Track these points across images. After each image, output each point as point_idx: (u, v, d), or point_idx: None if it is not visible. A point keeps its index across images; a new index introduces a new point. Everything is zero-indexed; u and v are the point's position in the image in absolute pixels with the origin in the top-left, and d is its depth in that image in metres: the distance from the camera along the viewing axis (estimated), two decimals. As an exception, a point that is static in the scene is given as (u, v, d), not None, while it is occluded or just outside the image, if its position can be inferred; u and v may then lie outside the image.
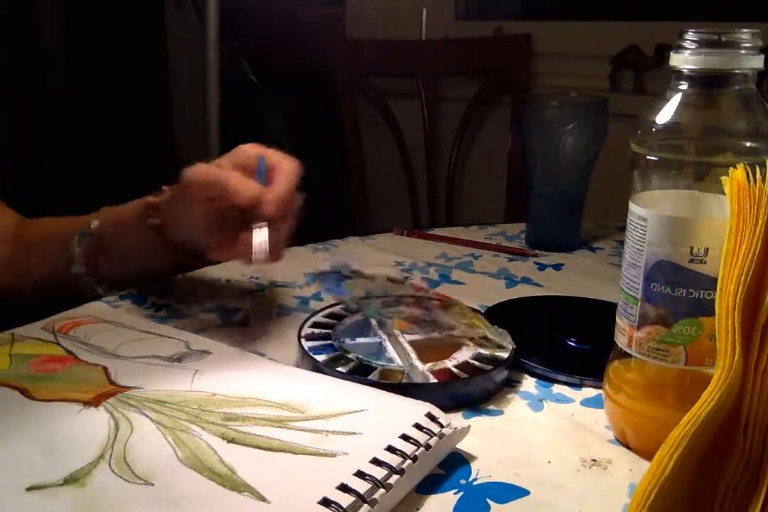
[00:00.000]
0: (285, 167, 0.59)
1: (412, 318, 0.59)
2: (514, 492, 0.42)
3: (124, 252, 0.67)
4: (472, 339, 0.57)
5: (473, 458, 0.45)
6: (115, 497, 0.37)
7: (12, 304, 0.71)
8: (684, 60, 0.41)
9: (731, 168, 0.39)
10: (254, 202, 0.56)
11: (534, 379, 0.55)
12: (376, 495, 0.38)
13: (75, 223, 0.68)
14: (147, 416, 0.44)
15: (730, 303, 0.36)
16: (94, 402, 0.46)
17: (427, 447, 0.42)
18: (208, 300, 0.69)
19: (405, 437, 0.42)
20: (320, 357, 0.54)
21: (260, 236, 0.56)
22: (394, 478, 0.39)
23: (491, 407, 0.51)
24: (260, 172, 0.59)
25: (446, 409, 0.46)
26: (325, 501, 0.36)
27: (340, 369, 0.52)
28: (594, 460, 0.45)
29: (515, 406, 0.52)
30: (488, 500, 0.41)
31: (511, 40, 1.61)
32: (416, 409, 0.45)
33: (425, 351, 0.55)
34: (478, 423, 0.49)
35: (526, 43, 1.59)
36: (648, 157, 0.42)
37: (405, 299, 0.64)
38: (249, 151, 0.61)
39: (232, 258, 0.62)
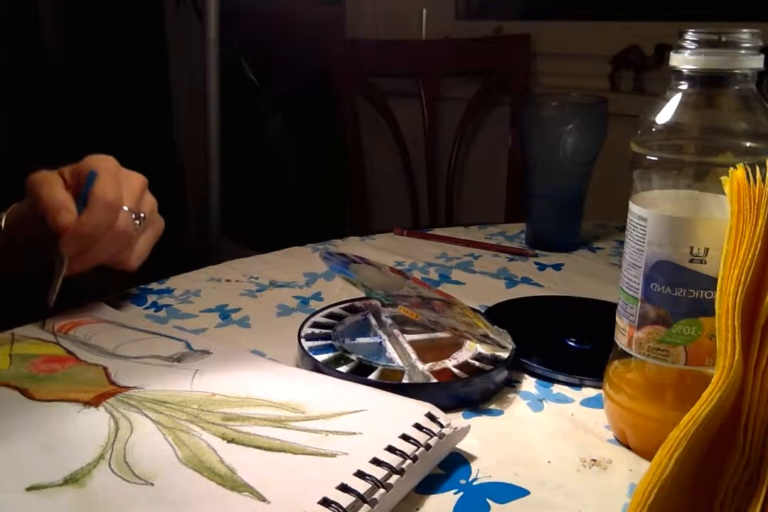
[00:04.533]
0: (101, 197, 0.56)
1: (417, 304, 0.59)
2: (514, 492, 0.42)
3: (27, 241, 0.65)
4: (472, 339, 0.57)
5: (473, 458, 0.45)
6: (115, 497, 0.37)
7: (12, 304, 0.70)
8: (684, 60, 0.41)
9: (731, 168, 0.39)
10: (60, 229, 0.55)
11: (534, 379, 0.55)
12: (376, 495, 0.38)
13: None
14: (147, 416, 0.44)
15: (730, 303, 0.36)
16: (94, 402, 0.46)
17: (427, 447, 0.42)
18: (208, 300, 0.69)
19: (405, 437, 0.42)
20: (320, 357, 0.54)
21: (56, 270, 0.56)
22: (394, 478, 0.39)
23: (491, 407, 0.51)
24: (85, 190, 0.57)
25: (446, 409, 0.46)
26: (325, 501, 0.36)
27: (340, 369, 0.52)
28: (594, 460, 0.45)
29: (515, 406, 0.52)
30: (488, 500, 0.41)
31: (511, 40, 1.61)
32: (416, 409, 0.45)
33: (425, 351, 0.55)
34: (478, 423, 0.49)
35: (526, 43, 1.59)
36: (648, 157, 0.42)
37: (406, 298, 0.64)
38: (90, 162, 0.59)
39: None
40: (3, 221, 0.66)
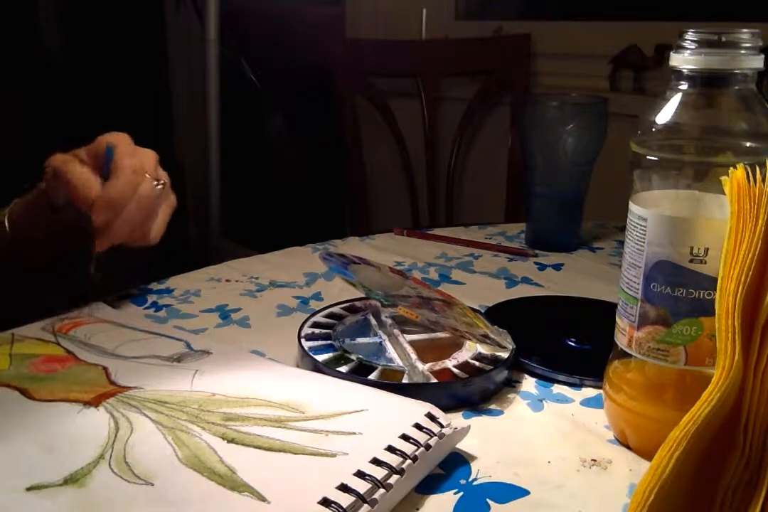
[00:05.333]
0: (124, 166, 0.58)
1: (417, 304, 0.59)
2: (514, 492, 0.42)
3: (34, 236, 0.66)
4: (472, 339, 0.57)
5: (473, 458, 0.45)
6: (115, 497, 0.37)
7: (12, 304, 0.70)
8: (684, 60, 0.41)
9: (731, 168, 0.39)
10: (89, 202, 0.57)
11: (534, 379, 0.55)
12: (376, 495, 0.38)
13: None
14: (147, 416, 0.44)
15: (730, 303, 0.36)
16: (94, 402, 0.46)
17: (427, 447, 0.42)
18: (208, 300, 0.69)
19: (405, 437, 0.42)
20: (320, 357, 0.54)
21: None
22: (394, 478, 0.39)
23: (491, 407, 0.51)
24: (105, 164, 0.59)
25: (446, 409, 0.46)
26: (325, 501, 0.36)
27: (340, 369, 0.52)
28: (594, 460, 0.45)
29: (515, 406, 0.52)
30: (488, 500, 0.41)
31: (511, 40, 1.61)
32: (416, 409, 0.45)
33: (425, 351, 0.55)
34: (478, 423, 0.49)
35: (526, 43, 1.59)
36: (648, 157, 0.42)
37: (406, 299, 0.64)
38: (104, 139, 0.61)
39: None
40: (5, 218, 0.66)
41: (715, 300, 0.37)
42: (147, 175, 0.59)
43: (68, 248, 0.68)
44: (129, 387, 0.48)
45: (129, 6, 1.86)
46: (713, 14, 1.40)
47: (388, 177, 1.73)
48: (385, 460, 0.40)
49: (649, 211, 0.43)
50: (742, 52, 0.40)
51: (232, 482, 0.38)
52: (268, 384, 0.49)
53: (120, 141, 0.61)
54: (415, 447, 0.41)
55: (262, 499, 0.37)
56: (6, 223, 0.66)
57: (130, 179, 0.58)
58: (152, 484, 0.38)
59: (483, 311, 0.64)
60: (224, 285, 0.74)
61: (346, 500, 0.36)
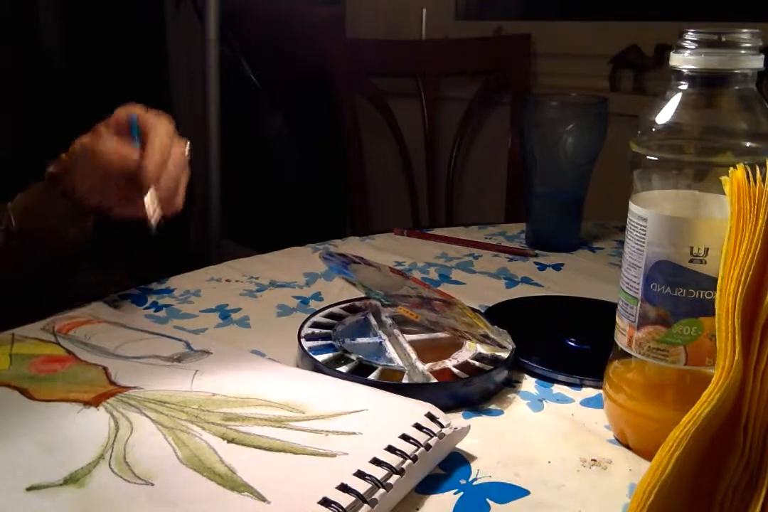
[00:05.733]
0: (157, 127, 0.61)
1: (417, 304, 0.59)
2: (514, 492, 0.42)
3: (41, 229, 0.67)
4: (472, 339, 0.57)
5: (473, 458, 0.45)
6: (115, 497, 0.37)
7: (12, 304, 0.70)
8: (684, 60, 0.41)
9: (731, 168, 0.39)
10: (133, 169, 0.59)
11: (534, 379, 0.55)
12: (376, 495, 0.38)
13: None
14: (147, 416, 0.44)
15: (730, 303, 0.36)
16: (94, 402, 0.46)
17: (427, 447, 0.42)
18: (208, 300, 0.69)
19: (405, 437, 0.42)
20: (320, 357, 0.54)
21: (150, 200, 0.60)
22: (394, 478, 0.39)
23: (491, 407, 0.51)
24: (132, 133, 0.62)
25: (446, 409, 0.46)
26: (325, 501, 0.36)
27: (340, 369, 0.52)
28: (594, 460, 0.45)
29: (515, 406, 0.52)
30: (488, 500, 0.41)
31: (511, 40, 1.61)
32: (416, 409, 0.45)
33: (425, 351, 0.55)
34: (478, 423, 0.49)
35: (526, 43, 1.59)
36: (648, 157, 0.42)
37: (406, 299, 0.64)
38: (122, 110, 0.63)
39: (137, 215, 0.63)
40: (11, 216, 0.67)
41: (715, 300, 0.37)
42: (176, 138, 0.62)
43: (77, 239, 0.69)
44: (129, 387, 0.48)
45: (129, 6, 1.86)
46: (713, 14, 1.40)
47: (388, 177, 1.73)
48: (385, 460, 0.40)
49: (649, 211, 0.43)
50: (742, 52, 0.40)
51: (232, 482, 0.38)
52: (268, 384, 0.49)
53: (138, 110, 0.63)
54: (415, 447, 0.41)
55: (262, 499, 0.37)
56: (12, 217, 0.67)
57: (166, 142, 0.61)
58: (152, 484, 0.38)
59: (483, 311, 0.64)
60: (224, 285, 0.74)
61: (346, 500, 0.36)
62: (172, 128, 0.63)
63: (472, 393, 0.52)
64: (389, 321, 0.60)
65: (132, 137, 0.61)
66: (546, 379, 0.55)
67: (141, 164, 0.59)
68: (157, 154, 0.60)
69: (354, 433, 0.43)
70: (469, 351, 0.55)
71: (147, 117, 0.62)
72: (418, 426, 0.43)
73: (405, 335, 0.57)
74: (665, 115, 0.42)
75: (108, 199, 0.64)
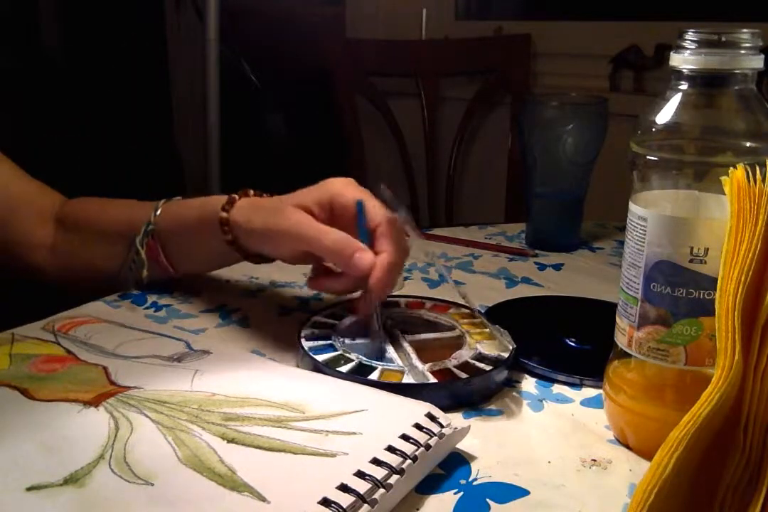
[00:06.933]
0: (391, 226, 0.54)
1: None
2: (514, 492, 0.42)
3: (187, 253, 0.66)
4: (472, 338, 0.57)
5: (473, 458, 0.45)
6: (115, 497, 0.37)
7: (12, 304, 0.71)
8: (684, 60, 0.41)
9: (731, 168, 0.39)
10: (355, 273, 0.53)
11: (534, 379, 0.55)
12: (376, 495, 0.38)
13: (131, 213, 0.67)
14: (147, 416, 0.44)
15: (730, 303, 0.36)
16: (94, 402, 0.46)
17: (427, 447, 0.42)
18: (208, 300, 0.69)
19: (405, 437, 0.42)
20: (320, 357, 0.54)
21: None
22: (394, 478, 0.39)
23: (491, 407, 0.51)
24: (360, 222, 0.55)
25: (446, 409, 0.46)
26: (325, 501, 0.36)
27: (340, 369, 0.52)
28: (594, 460, 0.45)
29: (515, 406, 0.52)
30: (488, 500, 0.41)
31: (511, 40, 1.61)
32: (416, 409, 0.45)
33: (425, 351, 0.55)
34: (478, 423, 0.49)
35: (526, 43, 1.60)
36: (648, 157, 0.42)
37: (405, 299, 0.64)
38: (345, 190, 0.57)
39: (325, 291, 0.60)
40: (156, 214, 0.65)
41: (715, 300, 0.37)
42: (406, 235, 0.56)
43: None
44: (129, 387, 0.48)
45: (129, 6, 1.86)
46: (713, 14, 1.41)
47: (388, 177, 1.73)
48: (385, 460, 0.40)
49: (649, 211, 0.43)
50: (742, 52, 0.40)
51: (232, 482, 0.38)
52: (268, 384, 0.49)
53: (361, 194, 0.56)
54: (415, 447, 0.41)
55: (262, 499, 0.37)
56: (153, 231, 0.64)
57: (405, 247, 0.55)
58: (152, 484, 0.38)
59: (483, 311, 0.64)
60: (224, 285, 0.74)
61: (346, 500, 0.36)
62: (402, 229, 0.55)
63: (472, 393, 0.52)
64: (389, 321, 0.60)
65: (359, 228, 0.55)
66: (546, 379, 0.55)
67: (371, 281, 0.52)
68: (388, 271, 0.53)
69: (354, 433, 0.43)
70: (469, 351, 0.55)
71: (377, 210, 0.55)
72: (418, 426, 0.43)
73: (405, 335, 0.57)
74: (665, 115, 0.42)
75: (298, 263, 0.59)
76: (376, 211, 0.55)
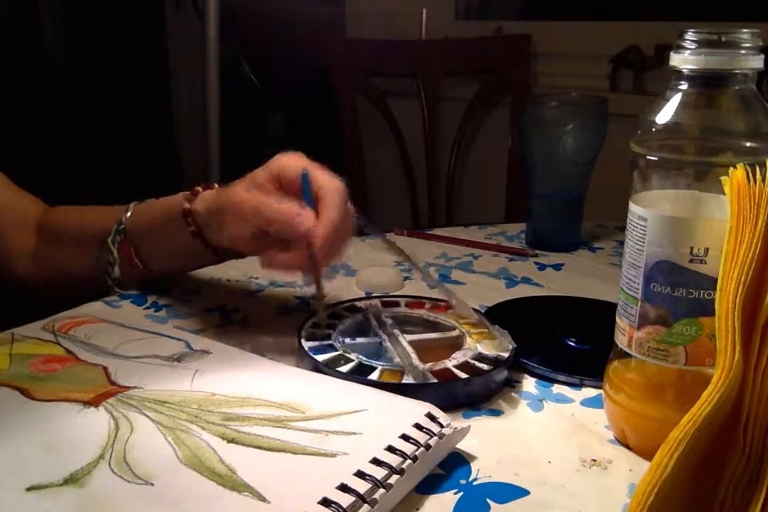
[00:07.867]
0: (333, 190, 0.55)
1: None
2: (514, 492, 0.42)
3: (157, 251, 0.66)
4: (472, 339, 0.57)
5: (473, 458, 0.45)
6: (115, 497, 0.37)
7: (12, 304, 0.71)
8: (684, 60, 0.41)
9: (731, 168, 0.39)
10: (299, 238, 0.53)
11: (534, 379, 0.55)
12: (376, 495, 0.38)
13: (105, 216, 0.67)
14: (147, 416, 0.44)
15: (730, 303, 0.36)
16: (94, 402, 0.46)
17: (427, 447, 0.42)
18: (208, 300, 0.69)
19: (405, 437, 0.42)
20: (320, 357, 0.54)
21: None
22: (394, 478, 0.39)
23: (491, 407, 0.51)
24: (305, 191, 0.55)
25: (446, 409, 0.46)
26: (325, 501, 0.36)
27: (340, 369, 0.52)
28: (594, 460, 0.45)
29: (515, 406, 0.52)
30: (488, 500, 0.41)
31: (511, 40, 1.61)
32: (416, 409, 0.45)
33: (425, 351, 0.55)
34: (478, 423, 0.49)
35: (526, 43, 1.60)
36: (648, 157, 0.42)
37: (405, 299, 0.64)
38: (289, 163, 0.57)
39: (281, 270, 0.59)
40: (127, 215, 0.65)
41: (715, 300, 0.37)
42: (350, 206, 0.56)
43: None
44: (129, 387, 0.48)
45: (129, 6, 1.86)
46: (713, 14, 1.41)
47: (388, 177, 1.73)
48: (385, 460, 0.40)
49: (649, 211, 0.43)
50: (742, 52, 0.40)
51: (232, 482, 0.38)
52: (268, 384, 0.49)
53: (307, 165, 0.57)
54: (415, 447, 0.41)
55: (262, 499, 0.37)
56: (114, 250, 0.65)
57: (343, 217, 0.55)
58: (152, 484, 0.38)
59: (483, 311, 0.64)
60: (224, 285, 0.74)
61: (346, 500, 0.36)
62: (346, 194, 0.56)
63: (472, 393, 0.52)
64: (389, 321, 0.60)
65: (304, 197, 0.55)
66: (546, 379, 0.55)
67: (312, 240, 0.53)
68: (330, 230, 0.53)
69: (354, 433, 0.43)
70: (469, 351, 0.55)
71: (321, 176, 0.56)
72: (418, 426, 0.43)
73: (405, 335, 0.57)
74: (665, 115, 0.42)
75: (249, 250, 0.60)
76: (318, 177, 0.56)
